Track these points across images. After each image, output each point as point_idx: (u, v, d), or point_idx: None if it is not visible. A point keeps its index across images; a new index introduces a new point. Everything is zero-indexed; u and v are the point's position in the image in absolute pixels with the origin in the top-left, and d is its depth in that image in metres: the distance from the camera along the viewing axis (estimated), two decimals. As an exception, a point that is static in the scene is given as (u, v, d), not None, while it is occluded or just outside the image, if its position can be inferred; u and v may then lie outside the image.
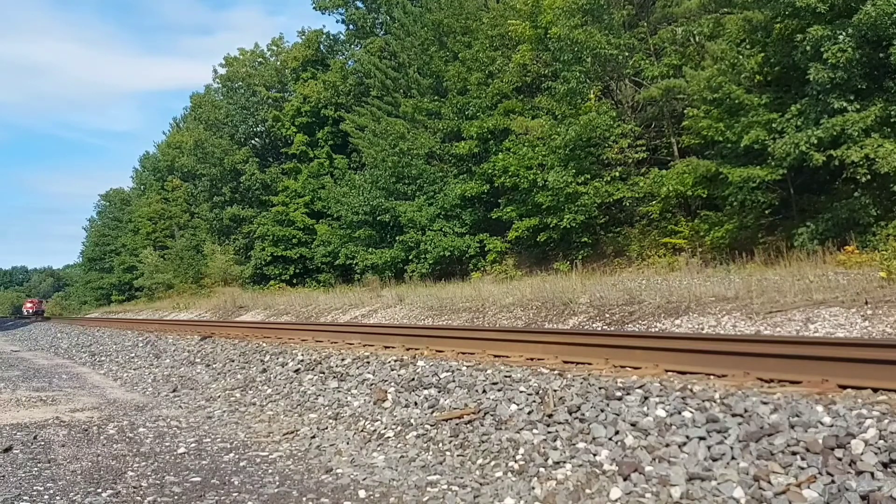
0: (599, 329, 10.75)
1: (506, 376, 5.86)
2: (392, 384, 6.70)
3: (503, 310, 14.59)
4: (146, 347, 15.38)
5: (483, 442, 4.89)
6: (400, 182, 28.55)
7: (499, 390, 5.58)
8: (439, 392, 6.09)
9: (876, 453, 3.40)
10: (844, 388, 4.49)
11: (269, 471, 4.89)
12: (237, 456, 5.35)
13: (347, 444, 5.60)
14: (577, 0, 20.78)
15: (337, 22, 68.54)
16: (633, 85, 22.43)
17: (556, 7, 21.64)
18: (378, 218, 29.33)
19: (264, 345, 11.21)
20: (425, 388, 6.27)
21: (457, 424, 5.29)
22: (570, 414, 4.74)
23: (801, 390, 4.42)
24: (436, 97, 28.38)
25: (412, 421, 5.68)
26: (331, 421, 6.36)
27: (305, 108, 40.22)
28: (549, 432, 4.64)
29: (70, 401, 8.73)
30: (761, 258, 15.25)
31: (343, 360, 8.23)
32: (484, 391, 5.69)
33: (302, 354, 9.24)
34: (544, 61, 24.57)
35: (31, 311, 72.80)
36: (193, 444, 5.81)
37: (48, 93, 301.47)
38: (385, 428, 5.77)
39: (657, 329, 10.07)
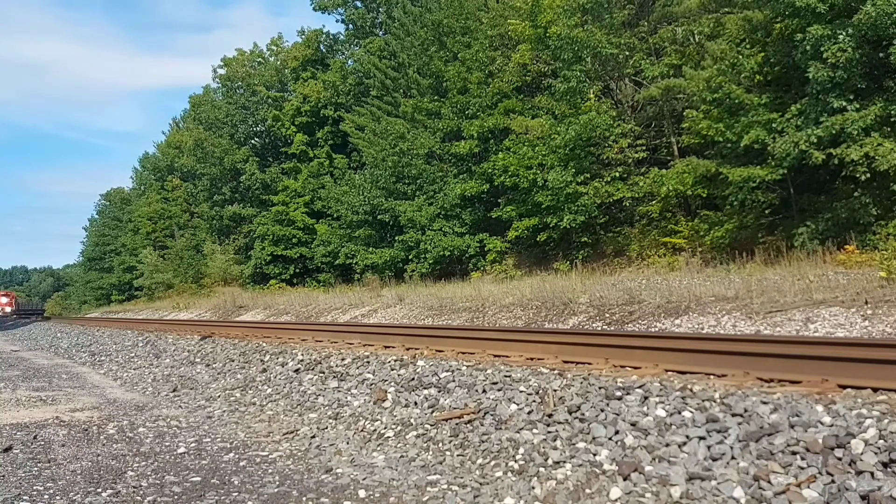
0: (599, 329, 10.75)
1: (506, 376, 5.86)
2: (392, 384, 6.70)
3: (503, 310, 14.58)
4: (146, 347, 15.38)
5: (483, 442, 4.89)
6: (400, 182, 28.55)
7: (499, 390, 5.58)
8: (439, 392, 6.09)
9: (876, 453, 3.40)
10: (844, 387, 4.49)
11: (269, 470, 4.89)
12: (237, 456, 5.35)
13: (347, 443, 5.60)
14: (577, -1, 20.80)
15: (337, 22, 68.63)
16: (633, 84, 22.41)
17: (556, 6, 21.63)
18: (378, 217, 29.33)
19: (264, 344, 11.21)
20: (425, 388, 6.27)
21: (457, 424, 5.29)
22: (570, 414, 4.74)
23: (801, 390, 4.41)
24: (436, 97, 28.35)
25: (412, 421, 5.68)
26: (331, 421, 6.35)
27: (305, 107, 40.24)
28: (548, 432, 4.64)
29: (70, 400, 8.72)
30: (761, 258, 15.23)
31: (343, 359, 8.23)
32: (484, 391, 5.69)
33: (302, 354, 9.24)
34: (544, 61, 24.55)
35: (5, 311, 56.13)
36: (193, 444, 5.81)
37: (48, 92, 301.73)
38: (385, 428, 5.76)
39: (657, 329, 10.07)
